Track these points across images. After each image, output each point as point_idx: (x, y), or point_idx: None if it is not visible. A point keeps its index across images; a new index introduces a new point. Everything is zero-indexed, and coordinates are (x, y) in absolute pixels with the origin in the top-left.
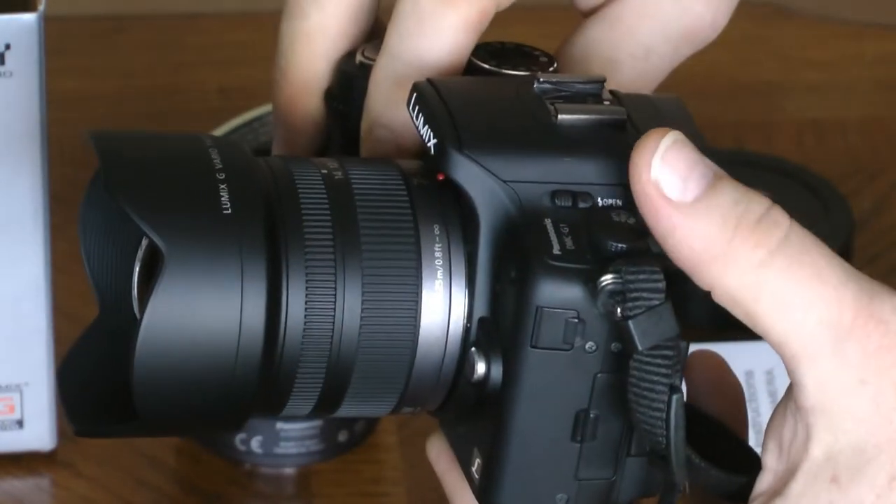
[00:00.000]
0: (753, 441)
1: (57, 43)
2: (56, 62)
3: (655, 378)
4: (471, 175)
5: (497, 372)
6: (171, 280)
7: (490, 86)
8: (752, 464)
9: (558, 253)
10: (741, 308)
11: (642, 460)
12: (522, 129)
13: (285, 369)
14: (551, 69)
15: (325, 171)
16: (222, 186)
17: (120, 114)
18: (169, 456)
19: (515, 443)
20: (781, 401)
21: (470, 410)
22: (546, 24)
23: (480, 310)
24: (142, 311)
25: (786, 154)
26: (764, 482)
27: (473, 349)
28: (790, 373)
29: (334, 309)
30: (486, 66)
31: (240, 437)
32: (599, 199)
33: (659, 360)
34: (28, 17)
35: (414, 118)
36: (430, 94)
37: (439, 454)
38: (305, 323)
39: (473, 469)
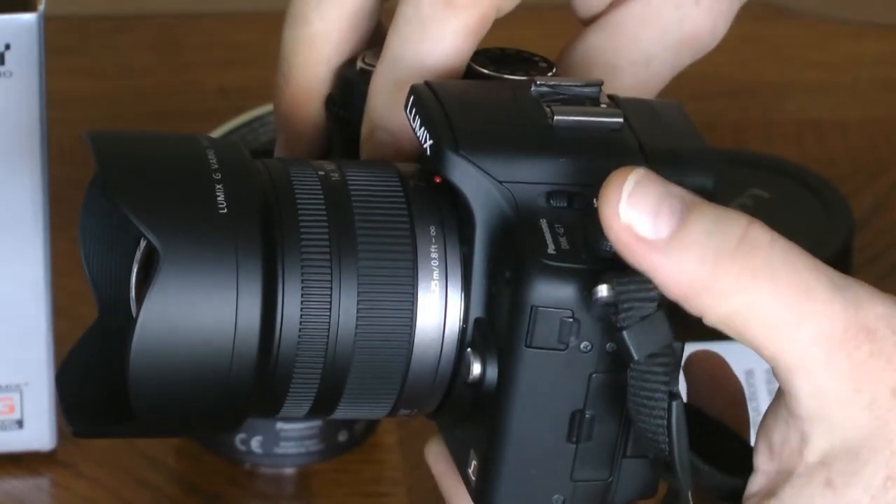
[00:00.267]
0: (755, 440)
1: (57, 43)
2: (56, 62)
3: (654, 386)
4: (467, 176)
5: (492, 372)
6: (166, 279)
7: (487, 88)
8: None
9: (553, 252)
10: (732, 330)
11: (638, 462)
12: (518, 130)
13: (281, 370)
14: (550, 74)
15: (321, 173)
16: (218, 186)
17: (120, 114)
18: (169, 456)
19: (511, 443)
20: (772, 404)
21: (466, 412)
22: (545, 24)
23: (476, 311)
24: (138, 310)
25: (786, 154)
26: (756, 483)
27: (469, 350)
28: (783, 383)
29: (330, 310)
30: (486, 70)
31: (240, 437)
32: (594, 200)
33: (656, 369)
34: (28, 17)
35: (411, 120)
36: (427, 96)
37: (437, 457)
38: (301, 324)
39: (470, 471)
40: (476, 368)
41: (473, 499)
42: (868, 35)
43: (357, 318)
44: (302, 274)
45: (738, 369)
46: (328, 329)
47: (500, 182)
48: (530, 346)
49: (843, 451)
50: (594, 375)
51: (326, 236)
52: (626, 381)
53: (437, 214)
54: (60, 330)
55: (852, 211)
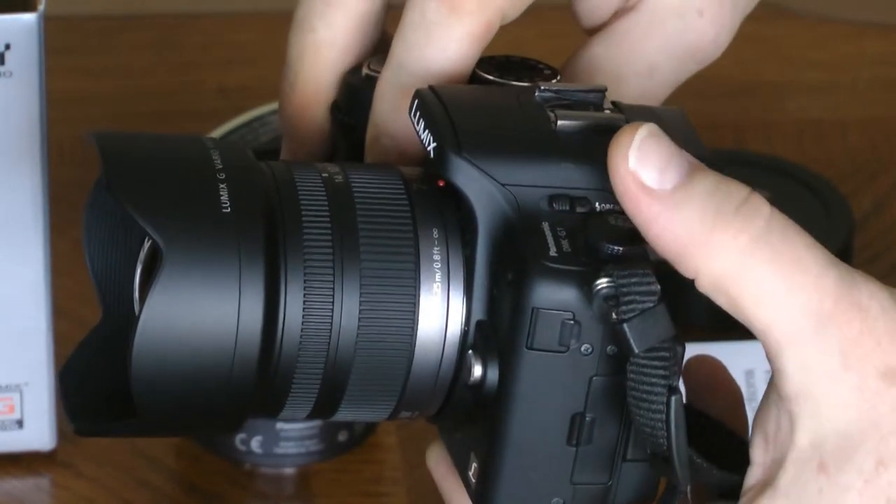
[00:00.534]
0: (751, 434)
1: (57, 43)
2: (56, 62)
3: (654, 380)
4: (470, 178)
5: (493, 375)
6: (169, 277)
7: (491, 93)
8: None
9: (555, 255)
10: (724, 295)
11: (638, 466)
12: (522, 134)
13: (282, 371)
14: (555, 81)
15: (325, 175)
16: (222, 186)
17: (120, 114)
18: (169, 456)
19: (511, 445)
20: (765, 393)
21: (467, 415)
22: (544, 25)
23: (478, 313)
24: (141, 308)
25: (786, 154)
26: (753, 476)
27: (470, 352)
28: (772, 361)
29: (332, 312)
30: (490, 77)
31: (240, 437)
32: (597, 204)
33: (656, 363)
34: (28, 17)
35: (415, 123)
36: (431, 100)
37: (438, 462)
38: (303, 325)
39: (470, 473)
40: (477, 370)
41: (474, 501)
42: (868, 35)
43: (359, 319)
44: (304, 275)
45: (738, 370)
46: (330, 331)
47: (503, 185)
48: (531, 348)
49: (832, 434)
50: (595, 378)
51: (329, 237)
52: (626, 385)
53: (440, 217)
54: (60, 330)
55: (852, 211)
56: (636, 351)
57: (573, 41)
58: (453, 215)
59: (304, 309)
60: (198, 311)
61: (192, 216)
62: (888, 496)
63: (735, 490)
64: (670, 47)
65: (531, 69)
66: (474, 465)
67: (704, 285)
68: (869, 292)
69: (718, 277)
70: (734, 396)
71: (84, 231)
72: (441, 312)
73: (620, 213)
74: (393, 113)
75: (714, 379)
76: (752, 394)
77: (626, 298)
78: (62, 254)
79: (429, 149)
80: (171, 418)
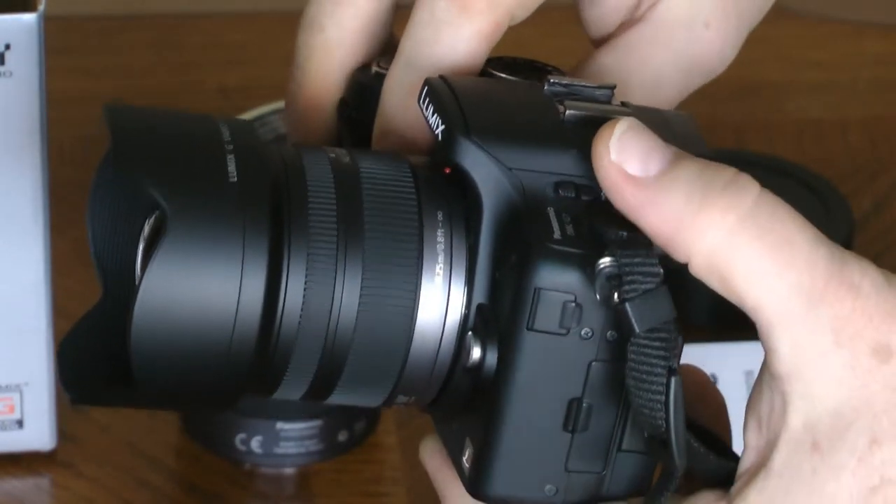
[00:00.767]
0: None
1: (57, 43)
2: (56, 62)
3: (654, 361)
4: (477, 161)
5: (492, 358)
6: (173, 243)
7: (501, 85)
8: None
9: (559, 238)
10: (716, 275)
11: (633, 457)
12: (530, 121)
13: (281, 349)
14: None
15: (332, 156)
16: (230, 157)
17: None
18: (169, 456)
19: (507, 429)
20: (758, 377)
21: (464, 402)
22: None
23: (479, 297)
24: (143, 272)
25: (786, 154)
26: (747, 460)
27: (470, 334)
28: (765, 341)
29: (334, 287)
30: (500, 74)
31: (240, 436)
32: (602, 193)
33: (657, 343)
34: (28, 17)
35: (424, 110)
36: (441, 87)
37: (432, 454)
38: (304, 296)
39: (464, 459)
40: (476, 353)
41: (467, 487)
42: (868, 35)
43: (360, 297)
44: (308, 248)
45: (738, 370)
46: (330, 309)
47: (510, 169)
48: (532, 329)
49: (825, 413)
50: (594, 364)
51: (334, 213)
52: (624, 372)
53: (446, 200)
54: (60, 330)
55: (852, 211)
56: (637, 331)
57: (577, 41)
58: (458, 200)
59: (305, 282)
60: (200, 279)
61: (198, 183)
62: (882, 474)
63: (730, 477)
64: (677, 59)
65: (538, 70)
66: (468, 450)
67: (697, 268)
68: (860, 271)
69: (709, 257)
70: (718, 406)
71: (88, 211)
72: (442, 295)
73: None
74: (401, 109)
75: (699, 389)
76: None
77: (629, 278)
78: (62, 254)
79: (437, 132)
80: (168, 388)
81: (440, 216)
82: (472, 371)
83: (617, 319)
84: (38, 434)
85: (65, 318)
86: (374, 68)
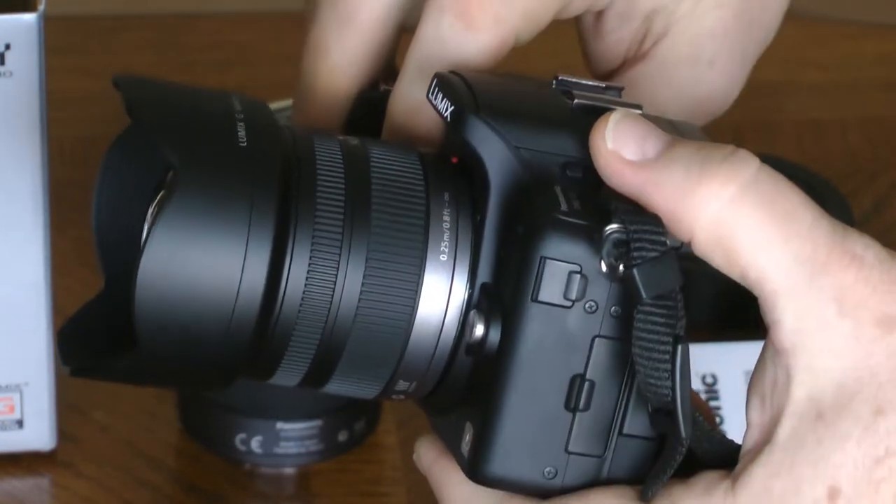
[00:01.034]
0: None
1: (57, 43)
2: (56, 62)
3: (660, 329)
4: (486, 139)
5: (495, 334)
6: (182, 198)
7: (511, 78)
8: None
9: (566, 210)
10: (720, 249)
11: (634, 442)
12: (539, 105)
13: (285, 315)
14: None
15: (341, 139)
16: (240, 124)
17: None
18: (169, 456)
19: (509, 405)
20: (761, 354)
21: (463, 392)
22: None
23: (483, 276)
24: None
25: (786, 154)
26: (750, 438)
27: (474, 311)
28: (768, 313)
29: (338, 265)
30: None
31: (240, 436)
32: None
33: (663, 311)
34: (28, 17)
35: (433, 101)
36: (452, 77)
37: (427, 450)
38: (308, 271)
39: (463, 443)
40: (479, 329)
41: (465, 471)
42: (868, 35)
43: (364, 276)
44: (314, 225)
45: (738, 370)
46: (335, 281)
47: (518, 148)
48: (536, 301)
49: (829, 384)
50: (597, 339)
51: (342, 190)
52: (628, 351)
53: (453, 182)
54: None
55: (852, 211)
56: (644, 297)
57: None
58: (466, 182)
59: (310, 258)
60: (206, 241)
61: (208, 143)
62: (887, 445)
63: (733, 457)
64: (680, 98)
65: None
66: (468, 435)
67: (700, 243)
68: (863, 243)
69: (712, 229)
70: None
71: (95, 195)
72: (447, 274)
73: None
74: (406, 123)
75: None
76: None
77: (637, 245)
78: (62, 253)
79: (446, 114)
80: (168, 360)
81: (447, 196)
82: (474, 349)
83: (623, 288)
84: (38, 434)
85: (65, 318)
86: (383, 86)
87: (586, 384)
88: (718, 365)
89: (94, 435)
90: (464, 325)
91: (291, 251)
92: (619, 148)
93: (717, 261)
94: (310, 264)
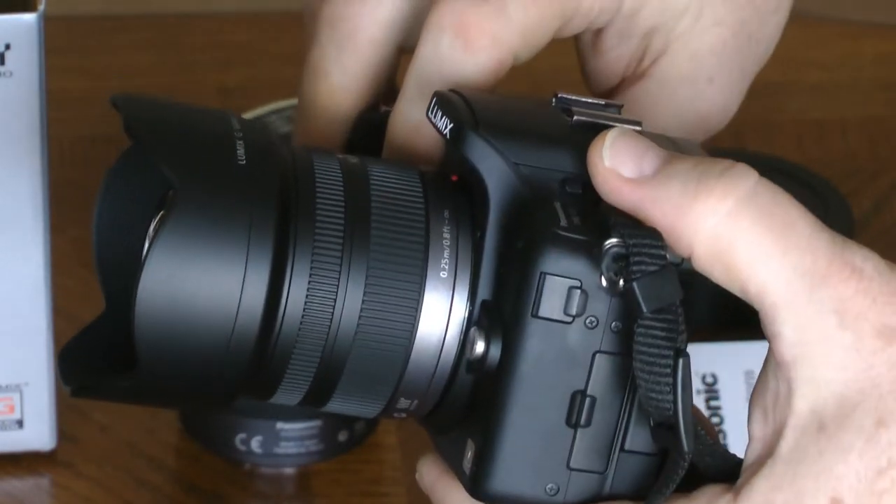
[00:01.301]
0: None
1: (57, 43)
2: (56, 62)
3: (661, 343)
4: (485, 155)
5: (496, 351)
6: (181, 216)
7: (510, 97)
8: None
9: (565, 225)
10: (719, 263)
11: (636, 458)
12: (538, 122)
13: (286, 332)
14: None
15: (341, 157)
16: (239, 142)
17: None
18: (169, 456)
19: (510, 421)
20: (762, 368)
21: (465, 409)
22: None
23: (484, 294)
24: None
25: (786, 154)
26: (753, 452)
27: (474, 328)
28: (768, 326)
29: (338, 283)
30: None
31: (240, 436)
32: None
33: (663, 325)
34: (28, 17)
35: (433, 119)
36: (451, 95)
37: (429, 468)
38: (308, 287)
39: (465, 460)
40: (480, 346)
41: (467, 488)
42: (868, 35)
43: (364, 294)
44: (314, 243)
45: (738, 370)
46: (335, 298)
47: (517, 164)
48: (536, 317)
49: (830, 396)
50: (598, 355)
51: (342, 208)
52: (628, 367)
53: (453, 199)
54: (60, 330)
55: (852, 211)
56: (644, 310)
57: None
58: (465, 200)
59: (310, 275)
60: (205, 260)
61: (207, 163)
62: (889, 456)
63: (735, 471)
64: (680, 116)
65: None
66: (470, 452)
67: (700, 258)
68: (862, 255)
69: (710, 244)
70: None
71: (95, 217)
72: (447, 292)
73: None
74: (406, 141)
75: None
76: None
77: (636, 259)
78: (62, 253)
79: (445, 131)
80: (167, 379)
81: (447, 214)
82: (475, 366)
83: (623, 302)
84: (38, 434)
85: (65, 318)
86: (383, 108)
87: (587, 400)
88: (718, 365)
89: (94, 435)
90: (464, 342)
91: (291, 269)
92: (617, 165)
93: (718, 275)
94: (309, 282)
